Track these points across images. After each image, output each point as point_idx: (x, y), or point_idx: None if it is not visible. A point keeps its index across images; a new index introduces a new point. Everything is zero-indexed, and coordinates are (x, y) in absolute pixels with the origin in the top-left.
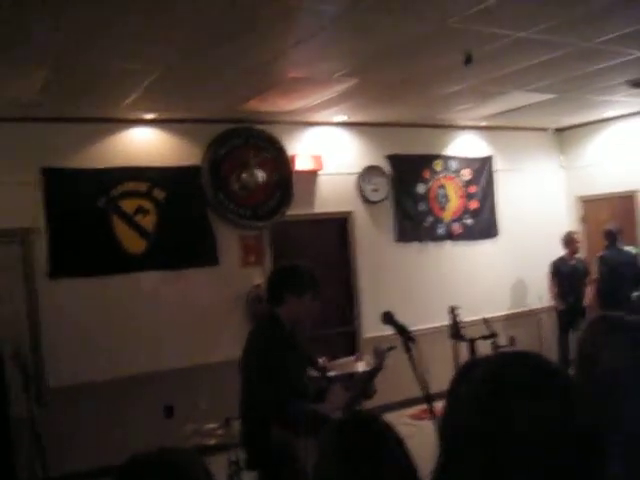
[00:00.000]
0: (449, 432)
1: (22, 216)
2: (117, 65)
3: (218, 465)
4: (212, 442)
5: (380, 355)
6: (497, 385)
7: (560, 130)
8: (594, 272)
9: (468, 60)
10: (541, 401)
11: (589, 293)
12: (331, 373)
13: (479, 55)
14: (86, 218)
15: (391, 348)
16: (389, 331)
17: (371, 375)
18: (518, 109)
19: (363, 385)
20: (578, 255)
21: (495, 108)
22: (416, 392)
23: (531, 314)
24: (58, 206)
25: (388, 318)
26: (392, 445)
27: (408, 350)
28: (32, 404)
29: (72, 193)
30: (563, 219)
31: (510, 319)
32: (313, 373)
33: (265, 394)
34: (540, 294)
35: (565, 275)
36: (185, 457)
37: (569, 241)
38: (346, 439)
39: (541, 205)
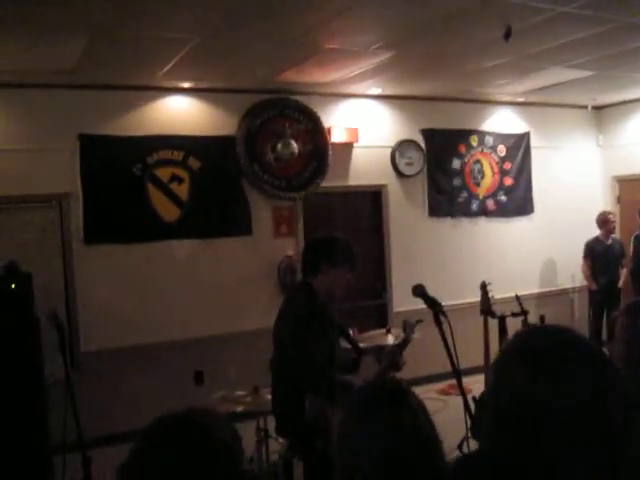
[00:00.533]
0: (490, 401)
1: (59, 181)
2: (155, 33)
3: (246, 432)
4: (240, 409)
5: (409, 328)
6: (524, 353)
7: (598, 108)
8: (630, 252)
9: (507, 34)
10: (568, 368)
11: (624, 274)
12: (361, 345)
13: (519, 29)
14: (121, 185)
15: (419, 321)
16: (420, 305)
17: (400, 347)
18: (556, 85)
19: (392, 357)
20: (614, 235)
21: (533, 84)
22: (443, 367)
23: (563, 293)
24: (94, 172)
25: (419, 291)
26: (419, 414)
27: (438, 324)
28: (68, 365)
29: (108, 160)
30: (598, 199)
31: (542, 298)
32: (344, 344)
33: (299, 362)
34: (573, 273)
35: (599, 255)
36: (211, 418)
37: (604, 221)
38: (371, 404)
39: (577, 184)
